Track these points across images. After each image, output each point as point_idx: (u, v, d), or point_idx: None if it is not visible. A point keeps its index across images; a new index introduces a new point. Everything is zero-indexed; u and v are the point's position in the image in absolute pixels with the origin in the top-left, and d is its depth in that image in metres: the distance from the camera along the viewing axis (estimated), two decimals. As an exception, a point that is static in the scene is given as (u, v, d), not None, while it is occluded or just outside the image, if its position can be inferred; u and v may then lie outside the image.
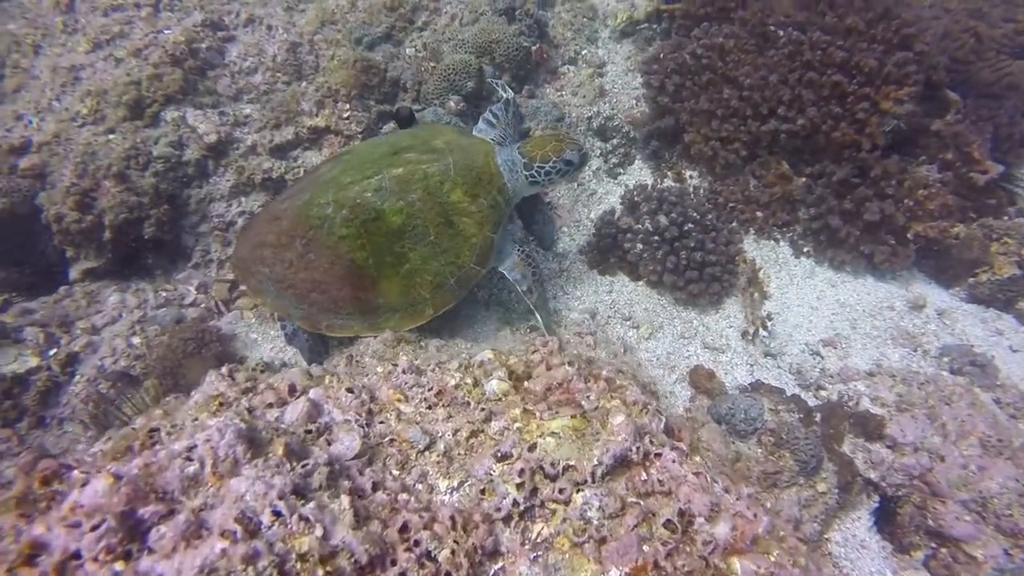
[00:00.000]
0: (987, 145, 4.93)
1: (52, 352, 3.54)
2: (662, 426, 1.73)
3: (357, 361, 3.35)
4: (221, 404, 1.64)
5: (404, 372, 1.91)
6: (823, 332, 4.21)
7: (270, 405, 1.65)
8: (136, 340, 3.74)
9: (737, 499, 1.59)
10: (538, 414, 1.67)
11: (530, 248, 3.76)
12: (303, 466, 1.38)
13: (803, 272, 4.54)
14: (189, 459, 1.30)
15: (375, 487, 1.46)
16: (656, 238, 4.33)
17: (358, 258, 3.32)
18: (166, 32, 4.55)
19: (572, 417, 1.62)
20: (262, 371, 2.85)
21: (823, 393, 3.90)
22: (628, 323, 4.27)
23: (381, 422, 1.69)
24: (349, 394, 1.73)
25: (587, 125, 5.11)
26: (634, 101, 5.37)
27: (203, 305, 4.06)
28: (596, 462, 1.48)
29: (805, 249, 4.64)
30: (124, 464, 1.33)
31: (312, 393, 1.73)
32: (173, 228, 4.15)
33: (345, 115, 4.50)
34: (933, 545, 3.28)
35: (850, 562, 3.23)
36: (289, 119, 4.47)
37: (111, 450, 1.44)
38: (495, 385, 1.84)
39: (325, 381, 1.80)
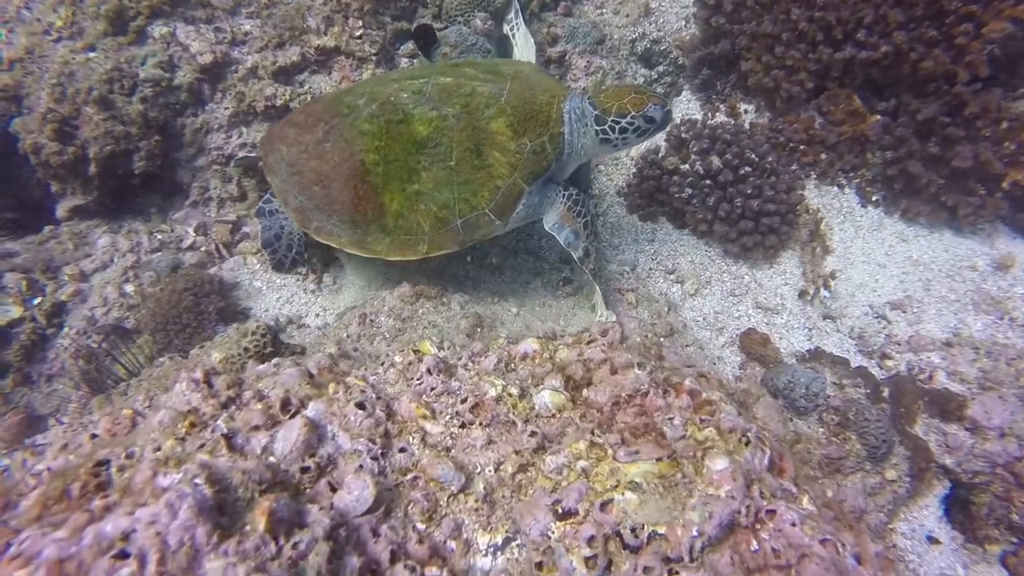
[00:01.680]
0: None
1: (36, 301, 3.20)
2: (767, 461, 1.34)
3: (372, 320, 2.99)
4: (192, 425, 1.26)
5: (429, 372, 1.50)
6: (891, 293, 3.74)
7: (256, 428, 1.27)
8: (129, 288, 3.38)
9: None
10: (610, 451, 1.27)
11: (580, 194, 3.11)
12: (294, 545, 1.00)
13: (870, 224, 4.01)
14: (124, 554, 0.91)
15: (393, 557, 1.10)
16: (707, 182, 3.82)
17: (369, 160, 2.91)
18: (150, -70, 3.94)
19: (657, 461, 1.22)
20: (252, 352, 2.49)
21: (889, 363, 3.48)
22: (672, 277, 3.83)
23: (401, 449, 1.30)
24: (360, 411, 1.34)
25: (630, 49, 4.49)
26: (683, 22, 4.71)
27: (203, 248, 3.67)
28: (696, 532, 1.09)
29: (874, 198, 4.09)
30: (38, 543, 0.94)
31: (311, 410, 1.34)
32: (167, 162, 3.71)
33: (357, 34, 3.94)
34: (1015, 541, 2.93)
35: (917, 556, 2.90)
36: (294, 37, 3.91)
37: (40, 497, 1.08)
38: (548, 398, 1.43)
39: (329, 391, 1.41)
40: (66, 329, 3.19)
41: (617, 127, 2.98)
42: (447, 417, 1.41)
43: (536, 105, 2.94)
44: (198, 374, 1.39)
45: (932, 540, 2.97)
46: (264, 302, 3.49)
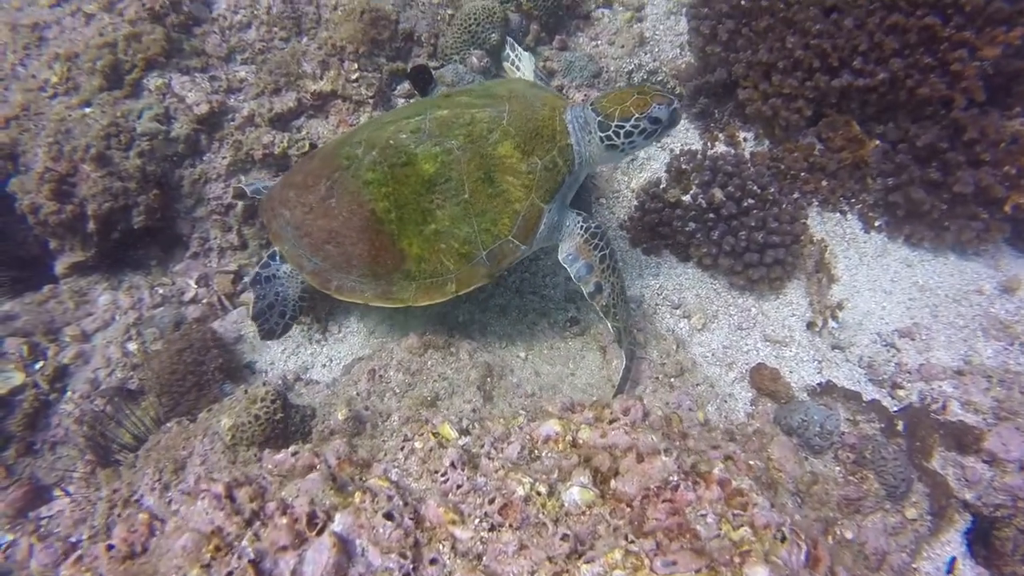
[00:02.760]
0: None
1: (38, 366, 3.16)
2: (803, 556, 1.31)
3: (381, 376, 2.96)
4: (218, 549, 1.22)
5: (454, 467, 1.46)
6: (899, 320, 3.72)
7: (283, 548, 1.23)
8: (132, 346, 3.34)
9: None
10: (646, 560, 1.24)
11: (599, 223, 2.99)
12: None
13: (874, 250, 4.01)
14: None
15: None
16: (711, 215, 3.81)
17: (380, 209, 2.81)
18: (143, -19, 3.93)
19: (696, 572, 1.19)
20: (263, 420, 2.45)
21: (901, 393, 3.46)
22: (678, 312, 3.81)
23: (432, 560, 1.27)
24: (388, 522, 1.30)
25: (627, 80, 4.49)
26: (678, 50, 4.72)
27: (204, 301, 3.63)
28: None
29: (877, 223, 4.09)
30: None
31: (339, 523, 1.30)
32: (166, 214, 3.67)
33: (353, 76, 3.93)
34: (1039, 577, 2.91)
35: (941, 595, 2.87)
36: (290, 83, 3.90)
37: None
38: (577, 495, 1.40)
39: (355, 500, 1.36)
40: (69, 393, 3.14)
41: (622, 131, 2.88)
42: (476, 520, 1.38)
43: (539, 121, 2.88)
44: (219, 488, 1.35)
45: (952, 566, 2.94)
46: (269, 355, 3.45)
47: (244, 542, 1.27)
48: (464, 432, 1.71)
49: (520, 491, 1.41)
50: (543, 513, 1.39)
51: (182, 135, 3.65)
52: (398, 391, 2.88)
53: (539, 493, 1.42)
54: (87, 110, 3.53)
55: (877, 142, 4.09)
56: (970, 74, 3.67)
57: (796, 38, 4.05)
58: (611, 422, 1.64)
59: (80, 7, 3.83)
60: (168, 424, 2.79)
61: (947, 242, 3.94)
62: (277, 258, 3.15)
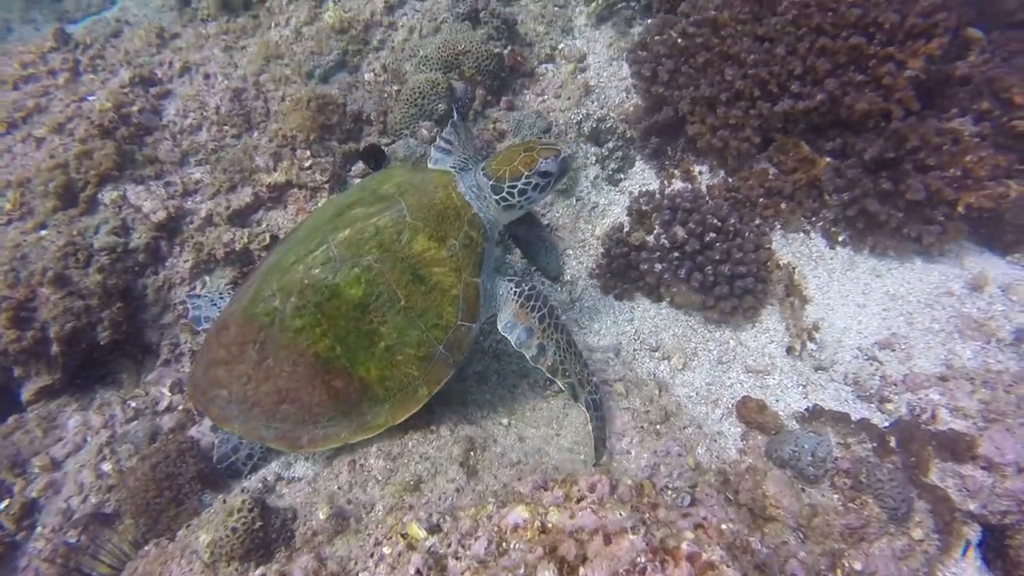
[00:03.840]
0: (1024, 85, 4.39)
1: (3, 505, 3.06)
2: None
3: (361, 465, 2.90)
4: None
5: (419, 574, 1.41)
6: (876, 333, 3.71)
7: None
8: (107, 467, 3.26)
9: None
10: (614, 668, 1.19)
11: (532, 285, 3.05)
12: None
13: (842, 264, 4.03)
14: None
15: None
16: (675, 254, 3.83)
17: (322, 349, 2.76)
18: (90, 99, 4.01)
19: (666, 677, 1.14)
20: (241, 532, 2.38)
21: (889, 406, 3.42)
22: (657, 354, 3.79)
23: None
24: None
25: (577, 131, 4.57)
26: (624, 94, 4.84)
27: (180, 408, 3.57)
28: None
29: (840, 238, 4.12)
30: None
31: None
32: (133, 326, 3.65)
33: (307, 164, 3.98)
34: (1059, 584, 2.82)
35: (963, 615, 2.78)
36: (244, 178, 3.95)
37: None
38: (542, 595, 1.36)
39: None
40: (39, 528, 3.04)
41: (515, 191, 2.96)
42: (443, 634, 1.33)
43: (439, 205, 2.92)
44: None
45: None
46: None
47: None
48: (434, 529, 1.66)
49: (485, 596, 1.36)
50: (510, 619, 1.34)
51: (141, 244, 3.66)
52: (380, 478, 2.80)
53: (505, 596, 1.37)
54: (43, 232, 3.54)
55: (828, 159, 4.17)
56: (901, 85, 3.77)
57: (734, 69, 4.16)
58: (579, 500, 1.60)
59: (30, 132, 3.89)
60: (147, 547, 2.70)
61: (910, 248, 3.97)
62: None
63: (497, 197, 2.99)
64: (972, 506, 2.95)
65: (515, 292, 3.02)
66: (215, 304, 3.46)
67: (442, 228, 2.89)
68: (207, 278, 3.78)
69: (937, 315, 3.72)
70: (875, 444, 3.11)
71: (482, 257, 2.95)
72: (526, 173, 2.94)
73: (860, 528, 2.81)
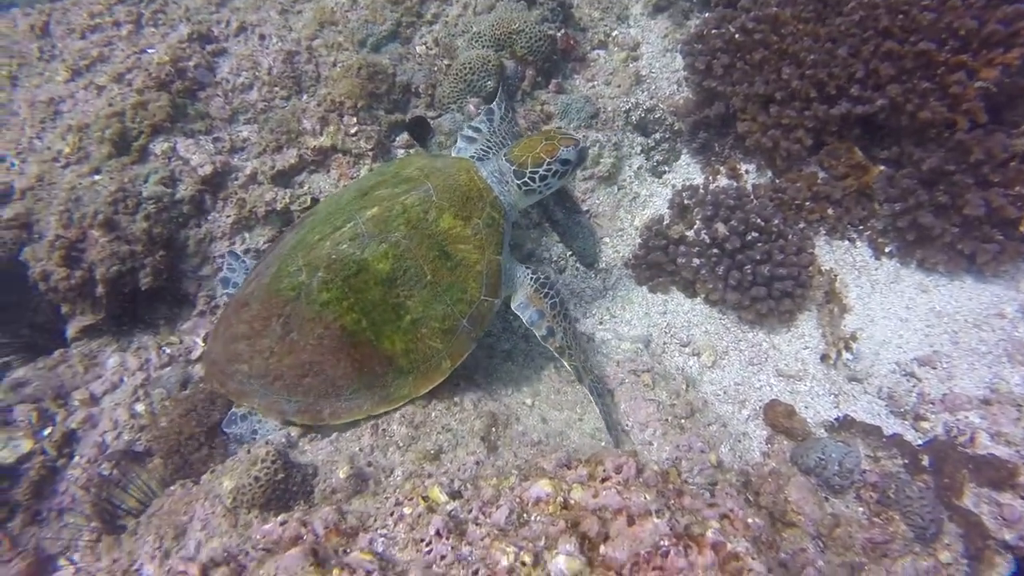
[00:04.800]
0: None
1: (47, 432, 3.18)
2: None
3: (384, 430, 2.92)
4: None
5: (439, 535, 1.42)
6: (917, 349, 3.61)
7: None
8: (140, 408, 3.36)
9: None
10: (633, 640, 1.18)
11: (548, 275, 3.20)
12: None
13: (886, 277, 3.91)
14: None
15: None
16: (715, 250, 3.76)
17: (349, 323, 2.82)
18: (149, 52, 4.09)
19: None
20: (263, 481, 2.42)
21: (924, 425, 3.33)
22: (687, 350, 3.74)
23: (408, 644, 1.23)
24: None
25: (625, 119, 4.51)
26: (675, 87, 4.75)
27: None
28: None
29: (887, 249, 4.00)
30: None
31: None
32: (172, 275, 3.73)
33: (352, 131, 4.00)
34: (1089, 622, 2.72)
35: (983, 645, 2.69)
36: (291, 140, 3.99)
37: None
38: (563, 564, 1.35)
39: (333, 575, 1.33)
40: (77, 458, 3.15)
41: (537, 176, 3.12)
42: (459, 594, 1.33)
43: (463, 187, 3.03)
44: (194, 570, 1.32)
45: None
46: (275, 410, 3.43)
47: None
48: (455, 495, 1.66)
49: (504, 561, 1.36)
50: (528, 586, 1.33)
51: (187, 196, 3.73)
52: (402, 445, 2.83)
53: (524, 563, 1.36)
54: (96, 177, 3.63)
55: (881, 168, 4.04)
56: (970, 96, 3.62)
57: (792, 69, 4.05)
58: (604, 480, 1.59)
59: (92, 80, 3.99)
60: (172, 487, 2.78)
61: (962, 266, 3.83)
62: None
63: (519, 182, 3.14)
64: (1008, 536, 2.85)
65: (532, 278, 3.18)
66: (249, 272, 3.50)
67: (467, 208, 3.00)
68: (247, 235, 3.84)
69: (985, 337, 3.59)
70: (906, 461, 3.03)
71: (503, 237, 3.09)
72: (548, 160, 3.10)
73: (884, 544, 2.74)
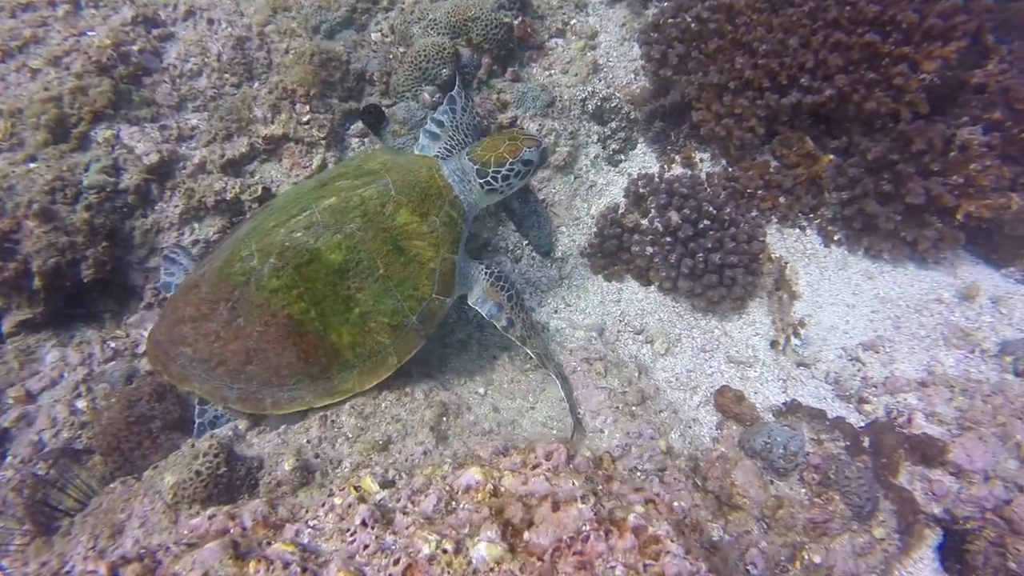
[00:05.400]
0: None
1: (-24, 432, 3.07)
2: (716, 607, 1.27)
3: (332, 421, 2.89)
4: (87, 635, 1.15)
5: (364, 525, 1.41)
6: (863, 334, 3.71)
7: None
8: (81, 404, 3.26)
9: None
10: (545, 625, 1.19)
11: (500, 267, 3.22)
12: None
13: (835, 263, 4.00)
14: None
15: None
16: (668, 238, 3.80)
17: (296, 311, 2.78)
18: (89, 34, 3.93)
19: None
20: (205, 476, 2.38)
21: (867, 407, 3.43)
22: (640, 337, 3.78)
23: (323, 632, 1.22)
24: (280, 592, 1.25)
25: (581, 108, 4.51)
26: (632, 76, 4.76)
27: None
28: None
29: (836, 237, 4.09)
30: None
31: (226, 598, 1.25)
32: (118, 266, 3.62)
33: (305, 119, 3.93)
34: (1013, 592, 2.84)
35: (916, 616, 2.80)
36: (241, 128, 3.89)
37: None
38: (484, 551, 1.35)
39: (250, 569, 1.31)
40: (9, 459, 3.05)
41: (499, 176, 3.12)
42: (379, 584, 1.32)
43: (423, 183, 3.03)
44: (102, 569, 1.28)
45: None
46: (225, 403, 3.36)
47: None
48: (387, 484, 1.65)
49: (426, 549, 1.36)
50: (448, 572, 1.33)
51: (132, 186, 3.62)
52: (350, 436, 2.81)
53: (445, 551, 1.36)
54: (32, 165, 3.50)
55: (831, 157, 4.13)
56: (913, 87, 3.72)
57: (745, 58, 4.10)
58: (534, 467, 1.60)
59: (25, 63, 3.83)
60: (112, 484, 2.71)
61: (905, 252, 3.94)
62: None
63: (482, 181, 3.14)
64: (936, 510, 2.97)
65: (486, 272, 3.18)
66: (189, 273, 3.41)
67: (424, 205, 3.00)
68: (196, 225, 3.75)
69: (925, 321, 3.70)
70: (848, 443, 3.12)
71: (460, 237, 3.09)
72: (510, 160, 3.11)
73: (823, 523, 2.82)
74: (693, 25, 4.30)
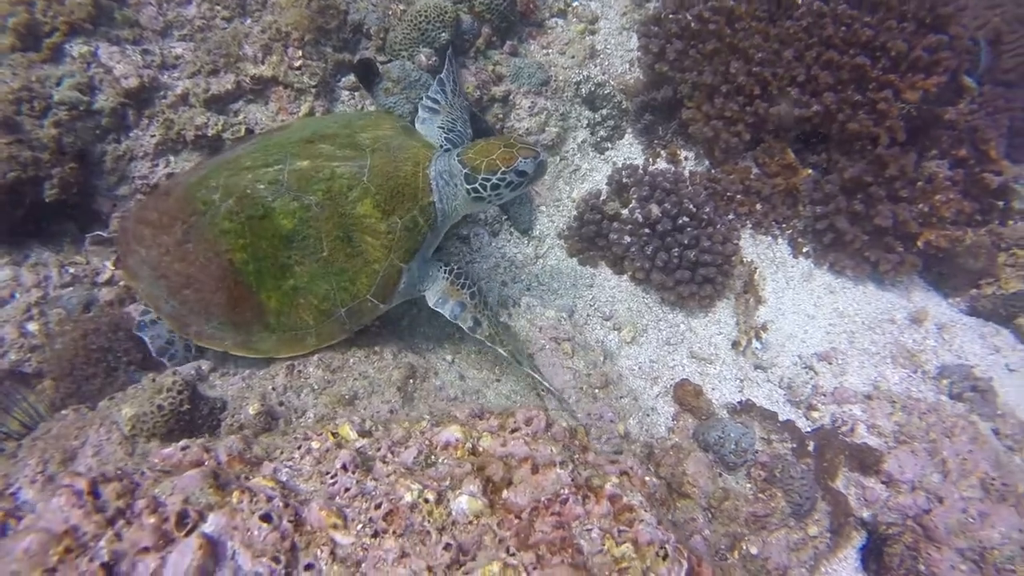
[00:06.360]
0: (1003, 141, 4.58)
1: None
2: (684, 573, 1.33)
3: (299, 371, 2.87)
4: (68, 551, 1.12)
5: (345, 469, 1.42)
6: (819, 344, 3.87)
7: (145, 550, 1.16)
8: (32, 327, 3.13)
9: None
10: (524, 574, 1.22)
11: (461, 266, 3.06)
12: None
13: (801, 274, 4.16)
14: None
15: None
16: (646, 230, 3.87)
17: (237, 260, 2.75)
18: (75, -58, 3.72)
19: (572, 589, 1.19)
20: (167, 411, 2.34)
21: (815, 414, 3.59)
22: (609, 323, 3.85)
23: (308, 566, 1.22)
24: (264, 524, 1.25)
25: (574, 91, 4.52)
26: (628, 66, 4.79)
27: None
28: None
29: (805, 249, 4.25)
30: None
31: (211, 524, 1.23)
32: (84, 190, 3.47)
33: (296, 64, 3.81)
34: (923, 592, 3.05)
35: (836, 610, 2.98)
36: (229, 65, 3.75)
37: None
38: (465, 504, 1.38)
39: (233, 499, 1.30)
40: (-49, 377, 2.92)
41: (489, 184, 2.87)
42: (359, 526, 1.34)
43: (401, 179, 2.84)
44: (82, 484, 1.26)
45: None
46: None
47: (101, 543, 1.18)
48: (365, 434, 1.66)
49: (408, 497, 1.38)
50: (428, 521, 1.36)
51: (107, 108, 3.45)
52: (316, 387, 2.79)
53: (427, 500, 1.39)
54: (-3, 71, 3.30)
55: (810, 171, 4.26)
56: (893, 114, 3.86)
57: (740, 64, 4.17)
58: (513, 431, 1.63)
59: (-1, -38, 3.59)
60: (64, 411, 2.63)
61: (867, 272, 4.12)
62: None
63: (469, 187, 2.89)
64: (865, 514, 3.15)
65: (445, 271, 3.02)
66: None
67: (392, 202, 2.82)
68: (172, 158, 3.61)
69: (876, 339, 3.89)
70: (795, 445, 3.27)
71: (419, 247, 2.89)
72: (503, 169, 2.85)
73: (764, 517, 2.96)
74: (693, 24, 4.35)
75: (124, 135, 3.56)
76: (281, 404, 2.66)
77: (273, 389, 2.74)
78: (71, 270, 3.39)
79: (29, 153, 3.20)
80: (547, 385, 3.11)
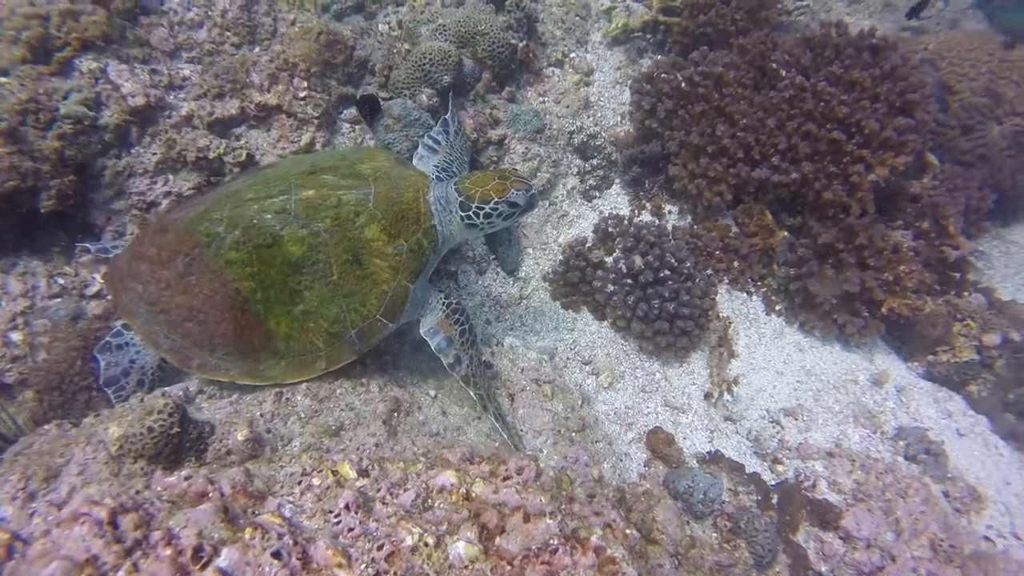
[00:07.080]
0: (960, 218, 4.88)
1: None
2: (664, 627, 1.42)
3: (287, 399, 2.91)
4: (87, 579, 1.17)
5: (348, 509, 1.49)
6: (786, 400, 4.04)
7: (161, 582, 1.21)
8: (16, 336, 3.12)
9: None
10: (519, 622, 1.31)
11: (459, 301, 3.20)
12: None
13: (772, 332, 4.35)
14: None
15: None
16: (629, 280, 4.02)
17: (245, 289, 2.81)
18: (92, -39, 3.79)
19: (564, 639, 1.27)
20: (157, 432, 2.37)
21: (780, 468, 3.74)
22: (588, 368, 3.97)
23: (312, 604, 1.29)
24: (275, 561, 1.31)
25: (567, 140, 4.71)
26: (619, 119, 5.01)
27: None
28: None
29: (777, 307, 4.45)
30: None
31: (224, 559, 1.29)
32: (80, 202, 3.49)
33: (301, 94, 3.92)
34: (875, 649, 3.18)
35: (792, 663, 3.08)
36: (235, 90, 3.84)
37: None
38: (462, 549, 1.46)
39: (245, 536, 1.35)
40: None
41: (482, 213, 3.04)
42: (363, 565, 1.40)
43: (404, 204, 2.99)
44: (103, 514, 1.30)
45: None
46: (170, 362, 3.30)
47: (120, 573, 1.23)
48: (363, 473, 1.73)
49: (409, 540, 1.45)
50: (427, 564, 1.43)
51: (111, 124, 3.50)
52: (303, 416, 2.83)
53: (426, 544, 1.46)
54: (3, 80, 3.33)
55: (785, 233, 4.49)
56: (865, 186, 4.12)
57: (725, 127, 4.41)
58: (505, 479, 1.72)
59: (17, -26, 3.65)
60: (46, 426, 2.62)
61: (834, 333, 4.33)
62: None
63: (463, 214, 3.06)
64: (823, 568, 3.28)
65: (444, 303, 3.16)
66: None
67: (398, 226, 2.96)
68: (171, 177, 3.66)
69: (840, 398, 4.07)
70: (760, 498, 3.40)
71: (424, 267, 3.05)
72: (496, 199, 3.03)
73: (728, 567, 3.06)
74: (684, 85, 4.59)
75: (125, 151, 3.60)
76: (268, 431, 2.69)
77: (261, 415, 2.77)
78: (60, 281, 3.40)
79: (30, 164, 3.22)
80: (504, 436, 3.17)
